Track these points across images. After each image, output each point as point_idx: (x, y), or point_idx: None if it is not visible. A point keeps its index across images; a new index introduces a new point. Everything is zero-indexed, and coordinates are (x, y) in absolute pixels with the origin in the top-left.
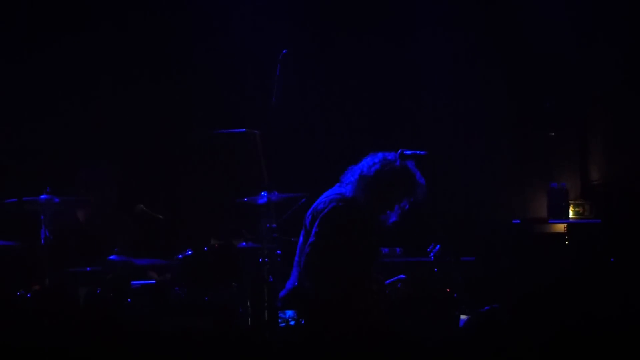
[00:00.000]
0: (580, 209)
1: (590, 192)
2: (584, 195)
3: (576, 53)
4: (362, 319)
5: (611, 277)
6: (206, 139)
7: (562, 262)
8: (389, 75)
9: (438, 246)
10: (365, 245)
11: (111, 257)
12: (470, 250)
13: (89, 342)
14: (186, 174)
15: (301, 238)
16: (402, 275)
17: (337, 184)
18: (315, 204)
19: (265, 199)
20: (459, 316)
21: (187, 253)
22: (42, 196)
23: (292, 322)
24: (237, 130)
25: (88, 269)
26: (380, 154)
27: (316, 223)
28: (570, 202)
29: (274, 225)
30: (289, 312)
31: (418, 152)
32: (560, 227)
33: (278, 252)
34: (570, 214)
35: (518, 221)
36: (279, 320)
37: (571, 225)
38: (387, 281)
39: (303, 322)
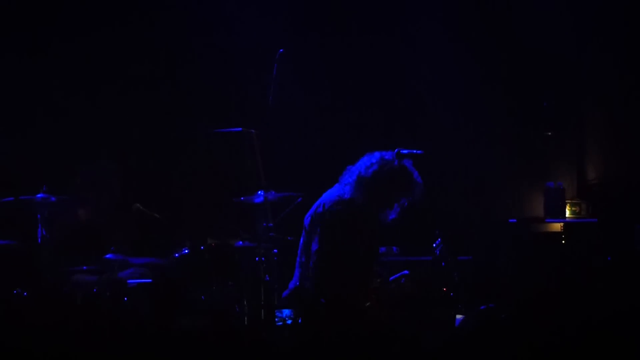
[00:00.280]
0: (576, 209)
1: (586, 192)
2: (581, 195)
3: (574, 53)
4: (365, 319)
5: (607, 277)
6: (203, 137)
7: (559, 261)
8: (387, 75)
9: (439, 239)
10: (367, 245)
11: (107, 255)
12: (467, 249)
13: (86, 341)
14: (183, 172)
15: (302, 239)
16: (405, 271)
17: (336, 185)
18: (315, 205)
19: (261, 198)
20: (455, 316)
21: (183, 252)
22: (38, 195)
23: (289, 322)
24: (233, 129)
25: (85, 267)
26: (377, 154)
27: (318, 229)
28: (566, 201)
29: (271, 224)
30: (286, 312)
31: (415, 151)
32: (557, 227)
33: (274, 251)
34: (567, 214)
35: (515, 220)
36: (276, 320)
37: (568, 224)
38: (392, 277)
39: (300, 321)
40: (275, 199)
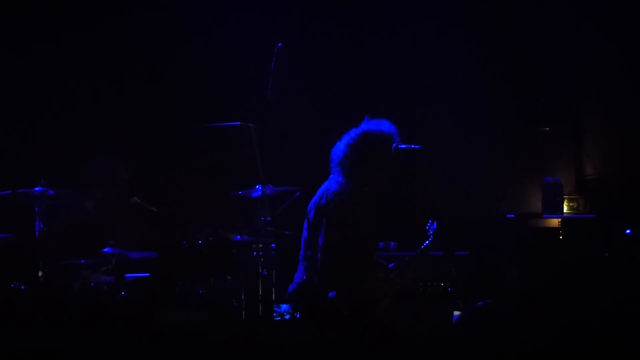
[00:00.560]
0: (574, 204)
1: (584, 187)
2: (579, 190)
3: (571, 49)
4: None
5: (605, 272)
6: (201, 132)
7: (557, 256)
8: (386, 70)
9: (435, 223)
10: (372, 229)
11: (105, 249)
12: (464, 244)
13: (83, 335)
14: (181, 166)
15: (305, 232)
16: (399, 252)
17: (332, 175)
18: (317, 197)
19: (259, 193)
20: (453, 311)
21: (181, 246)
22: (36, 188)
23: (287, 317)
24: (232, 123)
25: (82, 261)
26: (345, 135)
27: (324, 220)
28: (564, 196)
29: (269, 218)
30: (284, 306)
31: (413, 146)
32: (555, 222)
33: (272, 245)
34: (565, 209)
35: (512, 216)
36: (274, 314)
37: (565, 220)
38: (390, 265)
39: (300, 316)
40: (273, 194)
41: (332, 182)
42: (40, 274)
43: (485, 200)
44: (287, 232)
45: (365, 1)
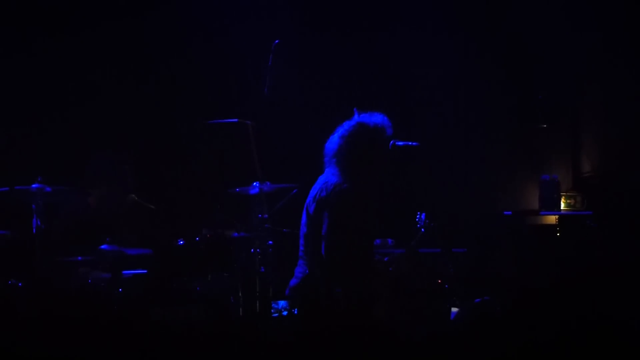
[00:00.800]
0: (571, 201)
1: (581, 184)
2: (576, 187)
3: (568, 46)
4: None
5: (603, 268)
6: (199, 129)
7: (554, 253)
8: (384, 67)
9: (423, 214)
10: (372, 220)
11: (102, 246)
12: (461, 241)
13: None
14: (178, 164)
15: (305, 228)
16: (397, 250)
17: (328, 168)
18: (315, 190)
19: (257, 190)
20: (450, 308)
21: (178, 243)
22: (33, 185)
23: (285, 313)
24: (229, 120)
25: (80, 258)
26: (339, 128)
27: (326, 213)
28: (561, 193)
29: (266, 215)
30: (282, 303)
31: (410, 143)
32: (552, 219)
33: (270, 242)
34: (562, 206)
35: (510, 213)
36: (272, 311)
37: (563, 217)
38: (386, 258)
39: (298, 311)
40: (271, 191)
41: (329, 175)
42: (37, 270)
43: (482, 197)
44: (284, 229)
45: None
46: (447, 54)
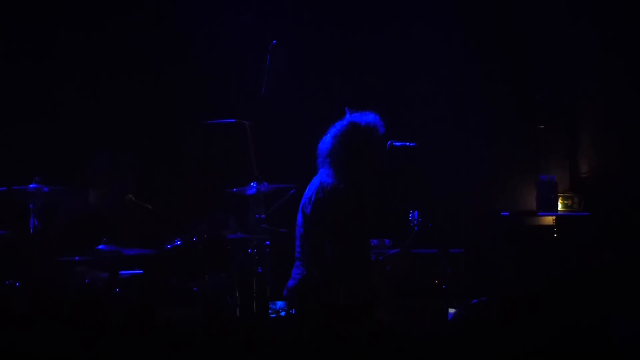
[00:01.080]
0: (569, 202)
1: (579, 185)
2: (573, 188)
3: (566, 46)
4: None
5: (600, 270)
6: (196, 129)
7: (551, 254)
8: (381, 67)
9: (416, 212)
10: (366, 218)
11: (100, 246)
12: (458, 242)
13: (77, 332)
14: (175, 164)
15: (301, 228)
16: (397, 249)
17: (321, 169)
18: (310, 191)
19: (254, 190)
20: (448, 309)
21: (175, 243)
22: (31, 185)
23: (283, 314)
24: (227, 120)
25: (77, 258)
26: (331, 128)
27: (326, 212)
28: (559, 194)
29: (263, 216)
30: (280, 303)
31: (407, 143)
32: (549, 220)
33: (267, 242)
34: (559, 207)
35: (507, 213)
36: (270, 312)
37: (560, 217)
38: (381, 257)
39: (295, 312)
40: (268, 191)
41: (324, 176)
42: (34, 270)
43: (480, 197)
44: (281, 230)
45: None
46: (445, 54)
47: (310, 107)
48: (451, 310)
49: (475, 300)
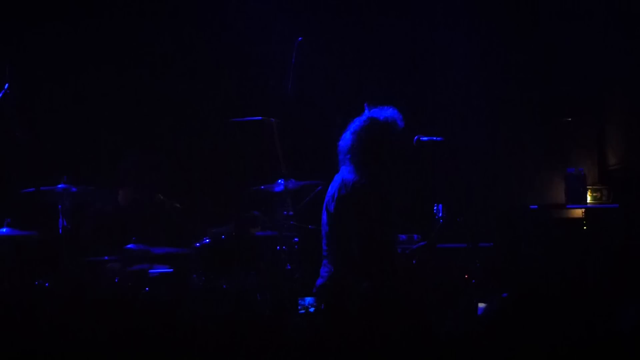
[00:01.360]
0: (598, 194)
1: (607, 177)
2: (602, 180)
3: (593, 39)
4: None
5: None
6: (223, 127)
7: (581, 247)
8: (407, 61)
9: (440, 205)
10: (391, 213)
11: (129, 245)
12: (488, 236)
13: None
14: (203, 162)
15: (327, 226)
16: (422, 242)
17: (342, 167)
18: (333, 189)
19: (282, 187)
20: (477, 303)
21: (204, 241)
22: (59, 186)
23: (312, 310)
24: (253, 118)
25: (106, 257)
26: (350, 125)
27: (352, 209)
28: (587, 187)
29: (291, 213)
30: (309, 299)
31: (435, 138)
32: (579, 212)
33: (295, 239)
34: (588, 199)
35: (536, 207)
36: (299, 308)
37: (589, 210)
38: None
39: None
40: (296, 188)
41: (346, 173)
42: (64, 271)
43: (508, 191)
44: (310, 226)
45: None
46: (472, 48)
47: (337, 104)
48: (481, 305)
49: (505, 294)
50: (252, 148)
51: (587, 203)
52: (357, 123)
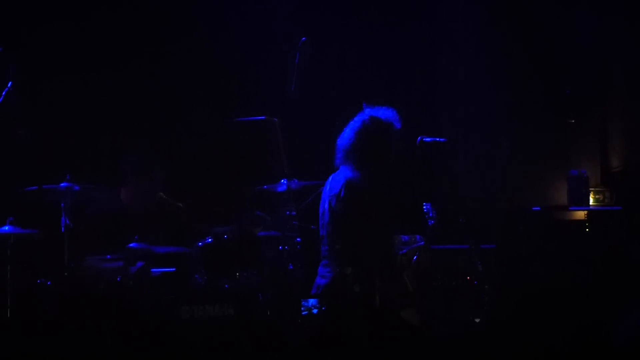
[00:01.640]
0: (600, 196)
1: (610, 179)
2: (604, 182)
3: (596, 40)
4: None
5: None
6: (226, 126)
7: (583, 249)
8: (410, 62)
9: (429, 204)
10: (391, 212)
11: (131, 245)
12: (490, 237)
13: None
14: (205, 161)
15: (327, 227)
16: (421, 242)
17: (342, 166)
18: (334, 190)
19: (284, 187)
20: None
21: (206, 241)
22: (62, 184)
23: (315, 311)
24: (256, 118)
25: (108, 256)
26: (350, 124)
27: (352, 210)
28: (590, 189)
29: (294, 213)
30: (312, 301)
31: (438, 139)
32: (581, 214)
33: (298, 239)
34: (591, 201)
35: (538, 208)
36: (302, 309)
37: (591, 212)
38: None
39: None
40: (299, 188)
41: (346, 171)
42: (65, 269)
43: (511, 192)
44: (312, 227)
45: None
46: (476, 50)
47: (340, 104)
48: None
49: None
50: (255, 148)
51: (589, 205)
52: (355, 123)
